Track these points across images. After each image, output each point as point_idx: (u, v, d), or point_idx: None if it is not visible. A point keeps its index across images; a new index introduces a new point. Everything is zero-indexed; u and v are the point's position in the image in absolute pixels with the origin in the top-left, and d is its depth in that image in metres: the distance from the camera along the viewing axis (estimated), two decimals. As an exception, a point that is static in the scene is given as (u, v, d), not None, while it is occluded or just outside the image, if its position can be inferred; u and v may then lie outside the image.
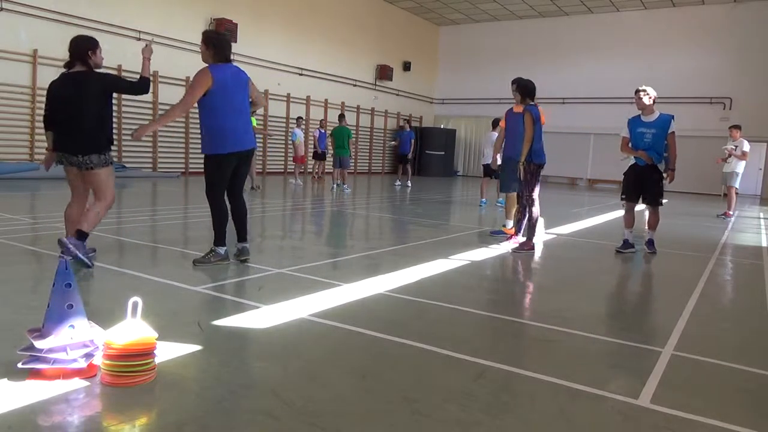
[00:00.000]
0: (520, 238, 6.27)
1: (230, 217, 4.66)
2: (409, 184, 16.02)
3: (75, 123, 4.22)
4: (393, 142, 17.75)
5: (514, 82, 6.37)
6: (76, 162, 4.28)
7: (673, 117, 6.09)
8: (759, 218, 12.18)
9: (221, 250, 4.59)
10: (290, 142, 16.10)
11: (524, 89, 6.15)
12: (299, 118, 16.47)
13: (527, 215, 6.19)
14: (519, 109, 6.53)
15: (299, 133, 15.41)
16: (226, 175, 4.51)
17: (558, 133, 23.16)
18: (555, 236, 7.45)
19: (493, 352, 2.93)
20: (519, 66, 23.74)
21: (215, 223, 4.59)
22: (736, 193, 11.58)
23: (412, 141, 16.66)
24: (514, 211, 6.85)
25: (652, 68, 21.00)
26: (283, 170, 18.03)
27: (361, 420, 2.11)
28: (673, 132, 6.05)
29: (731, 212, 11.48)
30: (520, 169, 6.12)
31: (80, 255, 4.16)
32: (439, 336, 3.17)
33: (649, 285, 5.22)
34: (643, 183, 6.17)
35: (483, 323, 3.56)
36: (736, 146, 11.22)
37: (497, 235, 6.90)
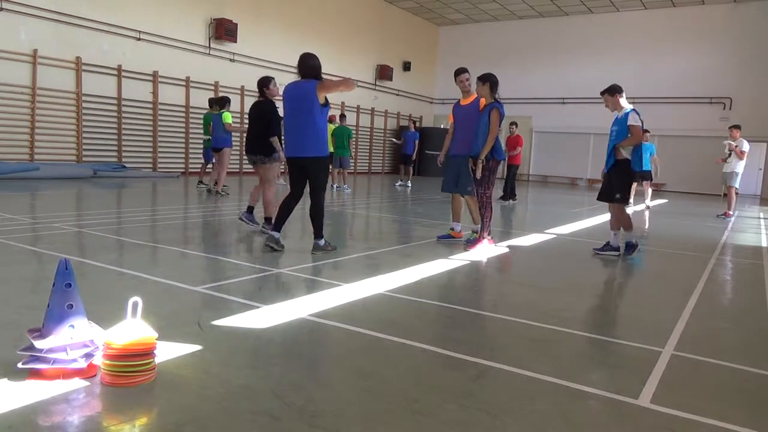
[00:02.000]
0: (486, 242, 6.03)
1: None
2: (409, 185, 16.02)
3: (257, 135, 6.38)
4: (396, 140, 17.70)
5: (483, 78, 5.93)
6: (255, 159, 6.48)
7: (632, 110, 5.84)
8: (759, 218, 12.18)
9: (273, 233, 5.32)
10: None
11: (495, 84, 5.88)
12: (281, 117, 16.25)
13: (487, 213, 6.00)
14: (467, 101, 6.22)
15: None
16: (293, 174, 5.39)
17: (558, 133, 23.23)
18: (555, 236, 7.45)
19: (493, 352, 2.93)
20: (519, 66, 23.80)
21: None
22: (736, 193, 11.58)
23: (416, 141, 16.66)
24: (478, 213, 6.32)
25: (653, 68, 21.01)
26: (283, 170, 18.02)
27: (361, 420, 2.11)
28: (633, 124, 5.72)
29: (731, 212, 11.48)
30: (479, 167, 5.88)
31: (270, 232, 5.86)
32: (439, 336, 3.17)
33: (649, 285, 5.22)
34: (608, 182, 6.05)
35: (483, 323, 3.56)
36: (736, 146, 11.22)
37: (446, 239, 6.42)
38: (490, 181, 5.96)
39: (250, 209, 6.66)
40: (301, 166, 5.24)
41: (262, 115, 6.35)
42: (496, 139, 5.86)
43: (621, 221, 6.10)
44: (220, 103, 10.93)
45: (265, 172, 6.53)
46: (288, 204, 5.36)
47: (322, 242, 5.38)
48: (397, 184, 16.48)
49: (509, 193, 12.64)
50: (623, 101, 6.05)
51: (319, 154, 5.15)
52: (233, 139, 11.05)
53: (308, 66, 5.16)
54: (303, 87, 5.13)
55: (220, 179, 10.53)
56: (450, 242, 6.36)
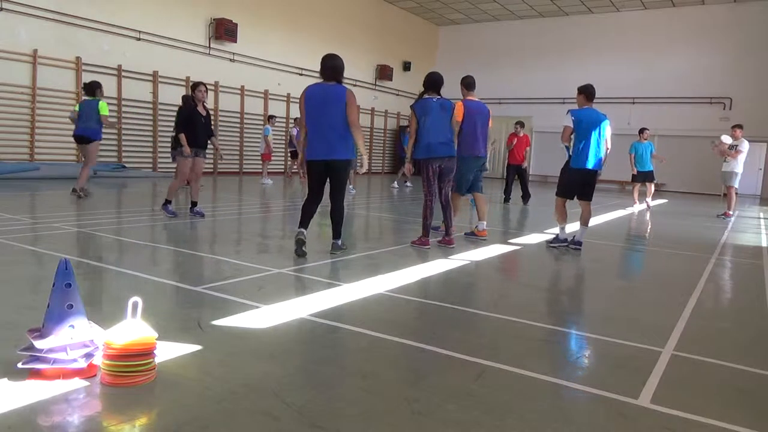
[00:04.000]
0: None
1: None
2: (409, 185, 16.02)
3: (207, 133, 7.48)
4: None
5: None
6: (201, 153, 7.47)
7: (568, 111, 6.50)
8: (759, 218, 12.18)
9: (299, 229, 5.22)
10: (264, 136, 15.50)
11: (425, 83, 6.34)
12: (271, 116, 15.82)
13: (423, 212, 6.10)
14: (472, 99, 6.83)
15: (270, 130, 15.09)
16: (315, 178, 5.21)
17: (558, 133, 23.19)
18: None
19: (493, 352, 2.92)
20: (519, 66, 23.80)
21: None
22: (736, 193, 11.58)
23: None
24: (485, 210, 6.86)
25: (652, 68, 21.00)
26: (283, 170, 18.02)
27: (361, 420, 2.11)
28: (564, 124, 6.50)
29: (731, 212, 11.48)
30: (409, 168, 6.28)
31: (169, 211, 7.24)
32: (439, 336, 3.17)
33: (649, 285, 5.22)
34: None
35: (483, 323, 3.55)
36: (736, 146, 11.21)
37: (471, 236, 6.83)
38: (424, 180, 6.05)
39: (195, 204, 7.57)
40: (329, 167, 5.12)
41: (209, 115, 7.42)
42: (426, 137, 5.97)
43: (562, 214, 6.59)
44: (91, 89, 8.97)
45: (202, 165, 7.63)
46: (311, 207, 5.26)
47: (340, 242, 5.43)
48: (395, 185, 16.46)
49: (523, 194, 12.51)
50: (585, 103, 6.53)
51: (349, 156, 5.15)
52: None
53: (329, 66, 5.05)
54: (333, 91, 5.00)
55: (84, 177, 9.02)
56: (474, 241, 6.63)
